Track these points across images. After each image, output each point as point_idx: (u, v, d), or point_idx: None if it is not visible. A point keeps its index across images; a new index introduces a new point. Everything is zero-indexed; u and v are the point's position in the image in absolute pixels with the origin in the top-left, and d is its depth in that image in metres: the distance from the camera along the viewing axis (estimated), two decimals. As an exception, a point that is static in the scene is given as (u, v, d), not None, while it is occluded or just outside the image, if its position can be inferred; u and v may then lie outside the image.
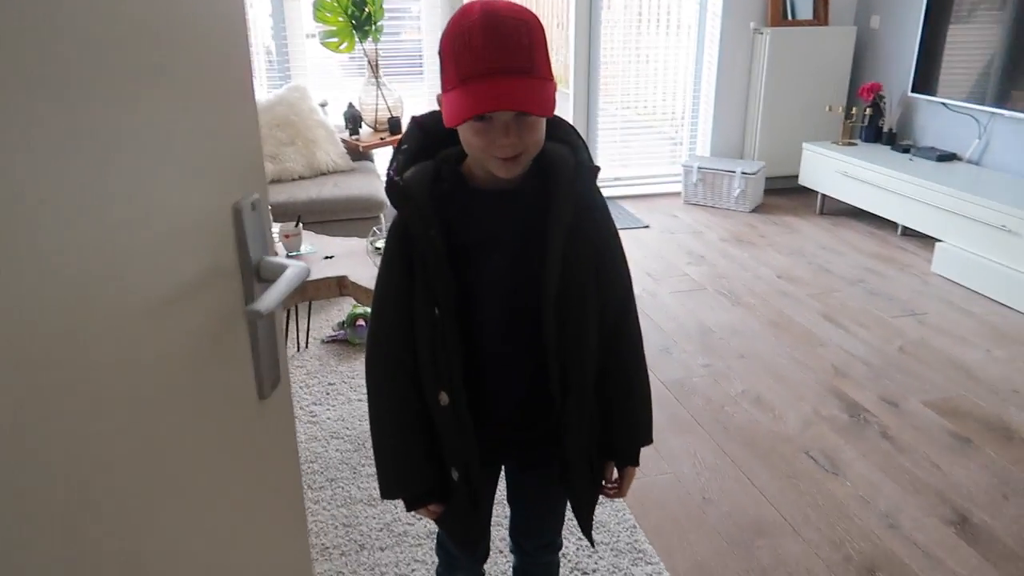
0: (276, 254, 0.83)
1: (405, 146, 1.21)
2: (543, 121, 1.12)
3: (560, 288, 1.13)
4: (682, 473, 2.32)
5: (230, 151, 0.77)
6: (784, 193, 5.12)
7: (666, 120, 5.48)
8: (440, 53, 1.12)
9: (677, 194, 5.11)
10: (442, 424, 1.19)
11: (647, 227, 4.54)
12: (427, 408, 1.20)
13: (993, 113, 4.04)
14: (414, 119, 1.22)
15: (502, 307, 1.17)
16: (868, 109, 4.71)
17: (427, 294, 1.14)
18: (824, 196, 4.73)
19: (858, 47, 4.94)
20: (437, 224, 1.13)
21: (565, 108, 5.15)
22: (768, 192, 5.06)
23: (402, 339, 1.18)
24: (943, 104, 4.34)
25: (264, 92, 4.29)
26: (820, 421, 2.57)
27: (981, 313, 3.38)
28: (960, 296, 3.56)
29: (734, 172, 4.78)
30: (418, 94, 4.71)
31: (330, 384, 2.82)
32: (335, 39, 4.10)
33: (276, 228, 2.82)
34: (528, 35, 1.07)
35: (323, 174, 3.92)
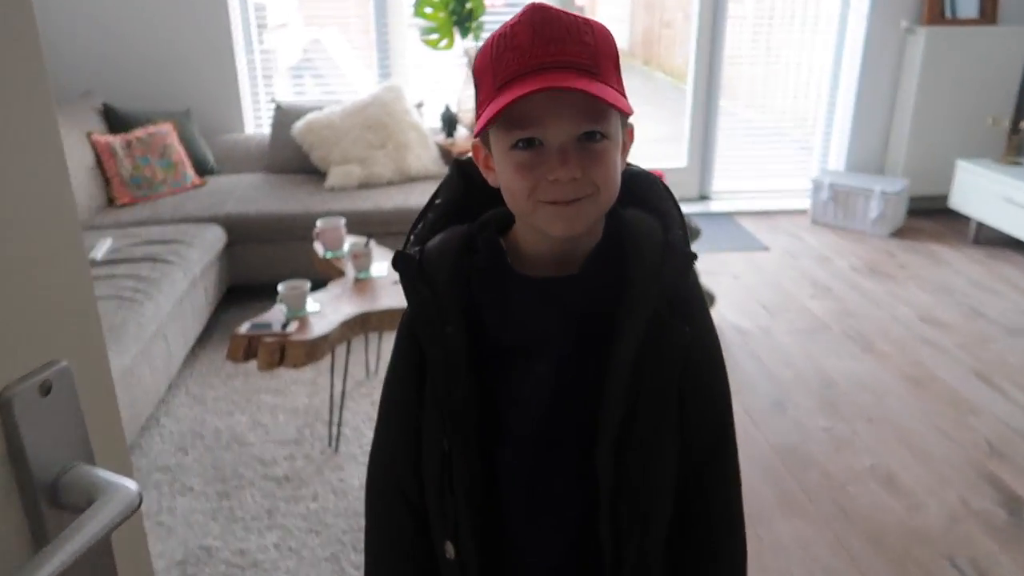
0: (90, 467, 0.51)
1: (439, 200, 0.90)
2: (618, 153, 0.79)
3: (623, 422, 0.80)
4: (789, 573, 1.92)
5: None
6: (930, 216, 4.49)
7: (796, 127, 4.95)
8: (474, 75, 0.81)
9: (804, 212, 4.58)
10: None
11: (766, 249, 4.06)
12: (435, 556, 0.89)
13: None
14: (456, 162, 0.91)
15: (540, 441, 0.84)
16: (1042, 124, 4.03)
17: (436, 416, 0.83)
18: (979, 223, 4.10)
19: (1032, 50, 4.24)
20: (459, 317, 0.82)
21: (681, 107, 4.73)
22: (911, 214, 4.45)
23: (407, 463, 0.88)
24: None
25: (359, 90, 4.12)
26: (969, 517, 2.10)
27: None
28: None
29: (872, 190, 4.22)
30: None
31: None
32: (435, 35, 3.86)
33: (346, 245, 2.60)
34: (592, 35, 0.76)
35: (413, 179, 3.69)
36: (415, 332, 0.85)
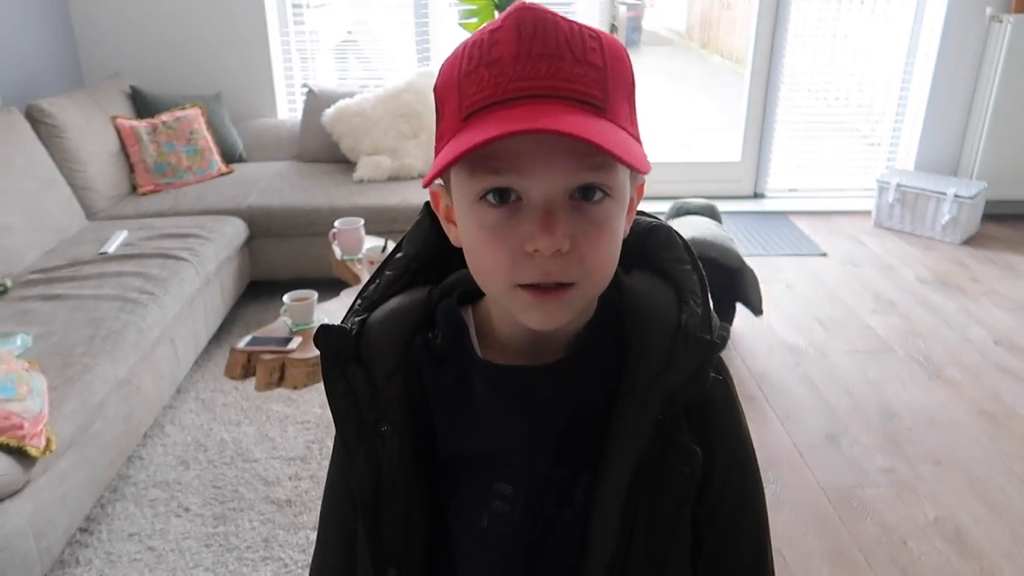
0: None
1: (400, 253, 0.70)
2: (622, 218, 0.58)
3: (612, 570, 0.60)
4: (839, 648, 1.68)
5: None
6: (1008, 222, 4.12)
7: (863, 121, 4.59)
8: (435, 93, 0.60)
9: (867, 213, 4.24)
10: None
11: (824, 255, 3.75)
12: None
13: None
14: (428, 205, 0.70)
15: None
16: None
17: (372, 547, 0.63)
18: (1065, 232, 3.73)
19: None
20: (400, 414, 0.62)
21: (739, 93, 4.42)
22: (987, 219, 4.08)
23: None
24: None
25: (393, 77, 3.92)
26: (1052, 589, 1.83)
27: None
28: None
29: (945, 194, 3.87)
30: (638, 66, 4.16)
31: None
32: (475, 19, 3.63)
33: (364, 249, 2.42)
34: (601, 52, 0.54)
35: (446, 173, 3.49)
36: (339, 432, 0.65)
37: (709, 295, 0.64)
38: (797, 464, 2.25)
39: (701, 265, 0.65)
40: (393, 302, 0.67)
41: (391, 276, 0.69)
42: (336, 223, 2.50)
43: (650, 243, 0.66)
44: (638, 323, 0.62)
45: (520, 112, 0.52)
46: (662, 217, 0.71)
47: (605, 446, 0.60)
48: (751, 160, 4.47)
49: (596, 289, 0.59)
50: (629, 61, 0.57)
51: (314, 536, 1.98)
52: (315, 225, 3.12)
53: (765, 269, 3.54)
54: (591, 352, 0.62)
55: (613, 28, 3.97)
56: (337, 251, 2.48)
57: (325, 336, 0.64)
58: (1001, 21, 3.87)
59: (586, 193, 0.55)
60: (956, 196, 3.84)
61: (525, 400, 0.62)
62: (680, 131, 5.75)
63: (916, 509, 2.09)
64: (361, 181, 3.41)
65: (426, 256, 0.69)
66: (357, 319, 0.66)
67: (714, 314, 0.63)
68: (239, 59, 3.91)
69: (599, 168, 0.54)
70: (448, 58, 0.58)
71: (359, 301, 0.68)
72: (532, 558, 0.63)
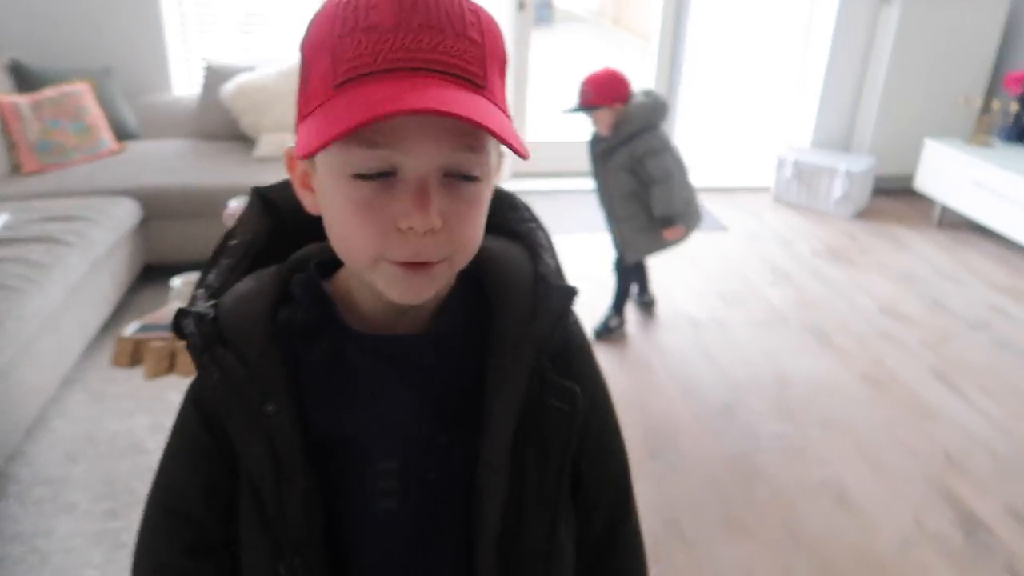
0: None
1: (235, 240, 0.68)
2: (488, 196, 0.59)
3: (506, 520, 0.61)
4: (730, 607, 1.76)
5: None
6: (895, 196, 4.34)
7: (763, 98, 4.73)
8: (303, 50, 0.57)
9: (767, 189, 4.40)
10: None
11: (726, 230, 3.87)
12: None
13: None
14: (257, 192, 0.69)
15: (397, 552, 0.64)
16: (1014, 104, 3.86)
17: (263, 536, 0.62)
18: (944, 206, 3.95)
19: (1009, 27, 4.06)
20: (284, 391, 0.61)
21: (647, 68, 4.47)
22: (877, 193, 4.29)
23: None
24: (1114, 104, 3.48)
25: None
26: (925, 540, 1.96)
27: None
28: (1118, 358, 2.81)
29: (837, 169, 4.04)
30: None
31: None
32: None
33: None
34: (480, 26, 0.54)
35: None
36: (219, 423, 0.63)
37: (554, 250, 0.68)
38: (695, 432, 2.33)
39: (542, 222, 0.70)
40: (240, 286, 0.65)
41: (229, 264, 0.67)
42: (230, 202, 2.41)
43: (498, 207, 0.67)
44: (498, 282, 0.64)
45: (403, 86, 0.50)
46: None
47: (485, 402, 0.61)
48: (658, 137, 4.54)
49: (462, 263, 0.60)
50: (502, 36, 0.57)
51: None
52: (214, 205, 3.00)
53: (670, 244, 3.64)
54: (459, 317, 0.64)
55: (521, 3, 3.96)
56: (234, 233, 2.40)
57: (184, 319, 0.62)
58: (890, 3, 4.05)
59: (462, 175, 0.55)
60: (848, 172, 4.02)
61: (406, 369, 0.62)
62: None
63: (804, 471, 2.19)
64: (262, 159, 3.30)
65: (264, 240, 0.68)
66: (206, 304, 0.63)
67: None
68: (130, 31, 3.71)
69: (475, 148, 0.54)
70: (317, 15, 0.56)
71: (201, 290, 0.65)
72: (425, 530, 0.63)
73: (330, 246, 0.60)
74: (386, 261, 0.55)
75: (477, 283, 0.64)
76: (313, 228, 0.62)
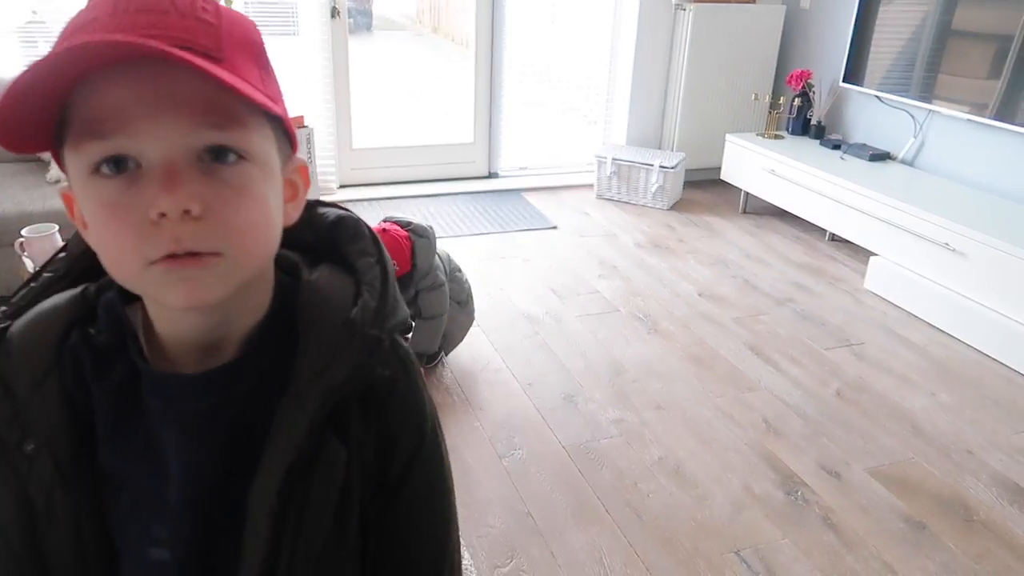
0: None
1: (63, 253, 0.63)
2: (271, 188, 0.54)
3: (263, 571, 0.56)
4: (584, 592, 1.82)
5: None
6: (705, 187, 4.68)
7: (580, 100, 4.94)
8: None
9: (590, 186, 4.59)
10: None
11: (555, 228, 4.00)
12: None
13: (931, 111, 3.67)
14: None
15: None
16: (797, 99, 4.28)
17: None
18: (747, 193, 4.31)
19: (787, 29, 4.50)
20: (50, 429, 0.56)
21: (465, 78, 4.53)
22: (688, 185, 4.60)
23: None
24: (876, 97, 3.95)
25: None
26: (752, 503, 2.12)
27: (922, 343, 3.01)
28: (898, 320, 3.19)
29: (651, 165, 4.29)
30: (289, 57, 3.99)
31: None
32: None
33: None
34: (217, 14, 0.50)
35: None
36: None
37: (393, 288, 0.62)
38: (540, 427, 2.39)
39: (387, 257, 0.64)
40: (46, 303, 0.59)
41: (49, 278, 0.61)
42: (23, 231, 2.18)
43: (338, 236, 0.64)
44: (309, 319, 0.59)
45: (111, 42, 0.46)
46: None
47: (264, 451, 0.56)
48: (483, 141, 4.62)
49: (249, 261, 0.54)
50: (256, 31, 0.54)
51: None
52: (4, 235, 2.70)
53: (503, 245, 3.71)
54: (261, 353, 0.58)
55: (335, 11, 3.89)
56: (28, 263, 2.17)
57: None
58: (685, 9, 4.35)
59: (218, 155, 0.50)
60: (661, 167, 4.28)
61: (181, 412, 0.57)
62: (416, 115, 5.78)
63: (643, 452, 2.31)
64: (57, 182, 3.01)
65: (94, 255, 0.62)
66: (6, 321, 0.57)
67: (400, 306, 0.61)
68: None
69: (224, 123, 0.50)
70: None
71: (4, 308, 0.59)
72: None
73: None
74: (152, 265, 0.50)
75: (294, 317, 0.59)
76: None
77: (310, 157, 3.68)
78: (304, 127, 3.62)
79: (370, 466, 0.59)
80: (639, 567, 1.89)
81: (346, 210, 0.67)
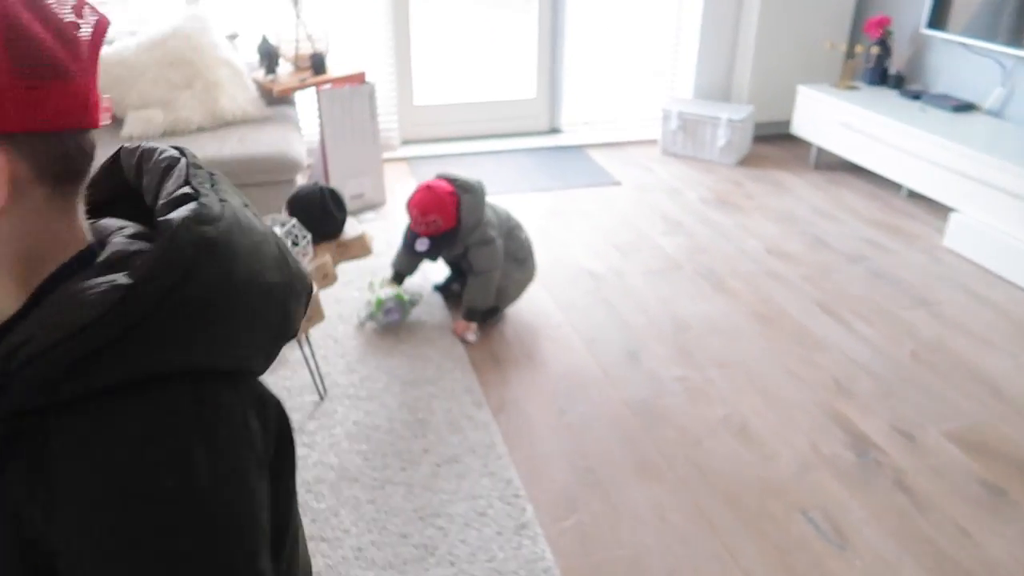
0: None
1: None
2: None
3: None
4: (646, 547, 1.81)
5: None
6: (774, 142, 4.52)
7: (646, 52, 4.80)
8: None
9: (654, 141, 4.49)
10: None
11: (618, 184, 3.93)
12: None
13: (1021, 57, 3.45)
14: (120, 149, 0.69)
15: None
16: (874, 47, 4.07)
17: None
18: (819, 148, 4.15)
19: (866, -28, 4.26)
20: None
21: (528, 31, 4.45)
22: (757, 140, 4.45)
23: None
24: (962, 44, 3.72)
25: (156, 20, 3.56)
26: (820, 463, 2.08)
27: (1003, 303, 2.87)
28: (978, 280, 3.05)
29: (719, 119, 4.16)
30: (350, 15, 3.99)
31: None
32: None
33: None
34: None
35: (228, 124, 3.24)
36: None
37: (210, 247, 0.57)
38: (601, 383, 2.38)
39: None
40: None
41: None
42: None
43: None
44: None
45: None
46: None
47: None
48: (545, 96, 4.55)
49: None
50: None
51: None
52: (81, 191, 2.80)
53: (565, 201, 3.67)
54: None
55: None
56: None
57: None
58: (756, -46, 4.16)
59: None
60: (729, 120, 4.14)
61: None
62: (477, 70, 5.72)
63: (707, 410, 2.28)
64: (132, 138, 3.09)
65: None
66: None
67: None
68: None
69: None
70: None
71: None
72: None
73: (130, 226, 0.60)
74: None
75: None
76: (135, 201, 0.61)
77: (372, 114, 3.69)
78: (366, 83, 3.62)
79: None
80: (702, 524, 1.87)
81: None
